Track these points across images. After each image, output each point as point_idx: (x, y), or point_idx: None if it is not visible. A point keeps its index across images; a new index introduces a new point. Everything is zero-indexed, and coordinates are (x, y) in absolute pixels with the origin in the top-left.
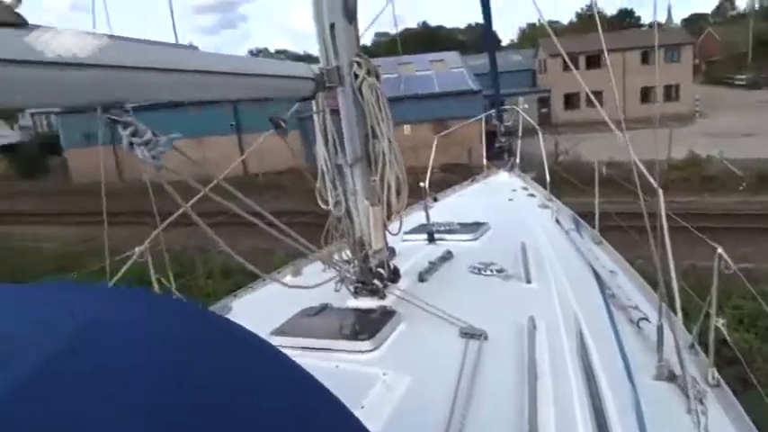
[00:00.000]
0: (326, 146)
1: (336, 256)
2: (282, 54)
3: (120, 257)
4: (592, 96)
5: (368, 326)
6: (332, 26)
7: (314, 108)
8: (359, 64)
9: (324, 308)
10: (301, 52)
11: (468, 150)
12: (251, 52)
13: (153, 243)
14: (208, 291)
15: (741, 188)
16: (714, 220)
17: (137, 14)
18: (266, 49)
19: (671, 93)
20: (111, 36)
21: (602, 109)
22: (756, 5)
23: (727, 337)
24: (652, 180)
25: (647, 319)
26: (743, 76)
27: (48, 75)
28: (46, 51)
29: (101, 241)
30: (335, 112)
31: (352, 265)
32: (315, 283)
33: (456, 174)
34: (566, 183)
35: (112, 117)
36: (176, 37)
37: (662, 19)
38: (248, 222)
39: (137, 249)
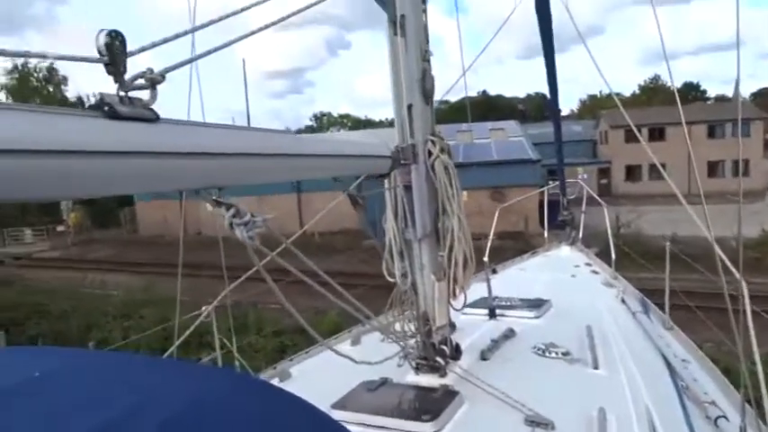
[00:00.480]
0: (396, 219)
1: (398, 327)
2: (345, 118)
3: (187, 317)
4: (661, 169)
5: (430, 405)
6: (409, 107)
7: (386, 184)
8: (433, 142)
9: (384, 382)
10: (362, 117)
11: (524, 218)
12: (315, 116)
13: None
14: (258, 348)
15: None
16: None
17: (215, 81)
18: (330, 113)
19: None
20: (225, 126)
21: (668, 182)
22: None
23: None
24: (731, 266)
25: (725, 418)
26: None
27: (170, 164)
28: (172, 144)
29: (161, 292)
30: (407, 187)
31: (414, 339)
32: (374, 352)
33: (513, 241)
34: (626, 257)
35: (218, 199)
36: (247, 104)
37: (728, 92)
38: (305, 282)
39: (204, 309)
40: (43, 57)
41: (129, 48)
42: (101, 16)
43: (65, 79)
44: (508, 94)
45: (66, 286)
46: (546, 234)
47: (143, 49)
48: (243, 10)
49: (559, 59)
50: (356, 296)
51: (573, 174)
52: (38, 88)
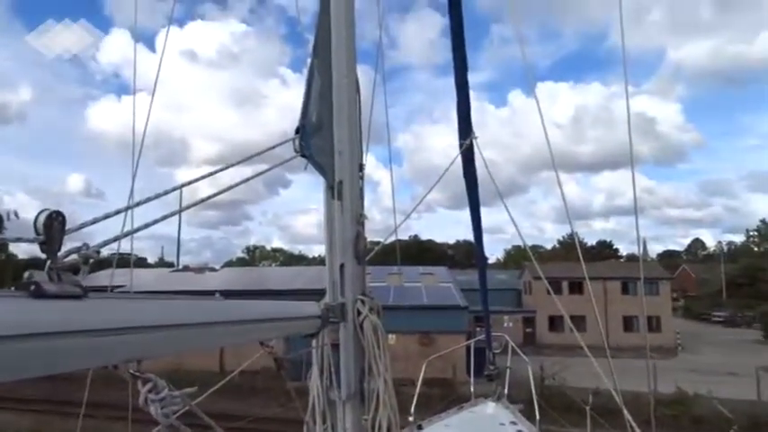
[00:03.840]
0: (321, 378)
1: None
2: (278, 252)
3: None
4: (572, 326)
5: None
6: (342, 266)
7: (313, 343)
8: (363, 302)
9: None
10: (296, 252)
11: (452, 366)
12: (248, 249)
13: None
14: None
15: (733, 431)
16: None
17: (147, 206)
18: (263, 247)
19: (652, 324)
20: (150, 295)
21: (586, 334)
22: (725, 249)
23: None
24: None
25: None
26: (720, 314)
27: (93, 342)
28: (96, 321)
29: None
30: (334, 346)
31: None
32: None
33: (440, 389)
34: (554, 409)
35: (135, 373)
36: (179, 237)
37: (638, 252)
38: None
39: None
40: None
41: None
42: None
43: None
44: (439, 239)
45: None
46: (472, 389)
47: (83, 226)
48: (183, 186)
49: (486, 211)
50: None
51: (499, 322)
52: None
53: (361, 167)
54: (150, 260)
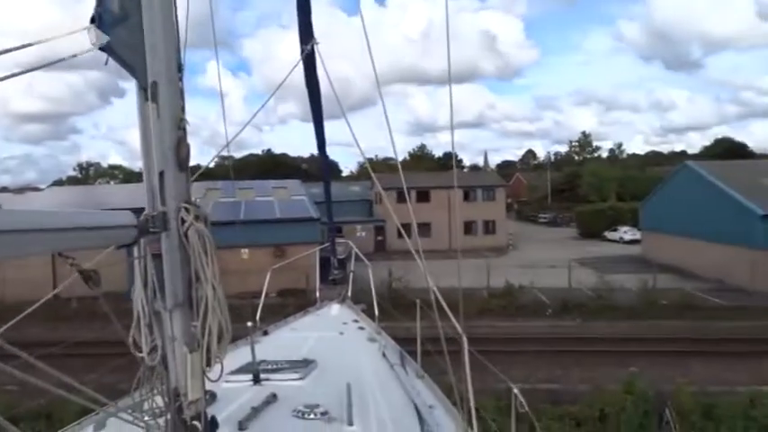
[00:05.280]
0: (145, 290)
1: (146, 406)
2: (117, 169)
3: None
4: (402, 229)
5: None
6: (161, 173)
7: (134, 253)
8: (187, 210)
9: None
10: (136, 169)
11: (305, 276)
12: (80, 166)
13: None
14: None
15: (548, 314)
16: (527, 343)
17: None
18: (98, 164)
19: (489, 227)
20: None
21: (431, 239)
22: (552, 159)
23: None
24: (455, 322)
25: None
26: (545, 215)
27: None
28: None
29: None
30: (157, 256)
31: (164, 418)
32: None
33: (294, 298)
34: (396, 308)
35: None
36: None
37: (480, 162)
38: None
39: None
40: None
41: None
42: None
43: None
44: (293, 153)
45: None
46: (317, 294)
47: None
48: None
49: (339, 124)
50: (118, 367)
51: (352, 231)
52: None
53: (180, 68)
54: None
